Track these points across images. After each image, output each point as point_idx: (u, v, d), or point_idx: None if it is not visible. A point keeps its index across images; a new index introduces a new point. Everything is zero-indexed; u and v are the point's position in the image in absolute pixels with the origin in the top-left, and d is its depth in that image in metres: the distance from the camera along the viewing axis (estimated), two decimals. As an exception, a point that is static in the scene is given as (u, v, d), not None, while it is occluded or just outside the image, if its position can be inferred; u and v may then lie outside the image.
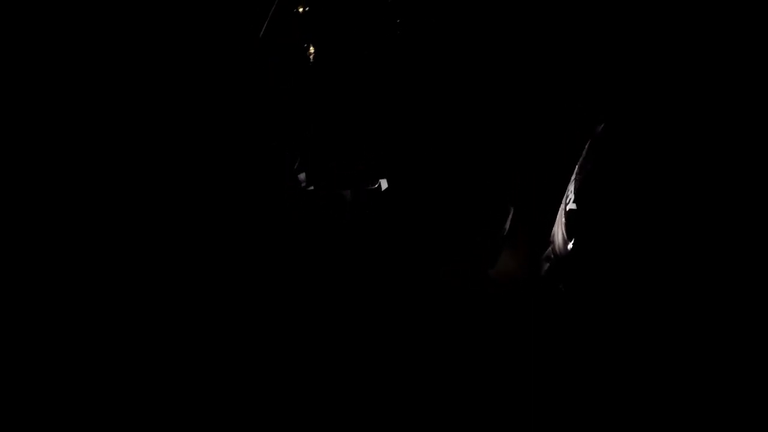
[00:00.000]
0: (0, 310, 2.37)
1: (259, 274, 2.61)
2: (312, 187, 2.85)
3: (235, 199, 2.78)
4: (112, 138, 2.75)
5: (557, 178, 2.46)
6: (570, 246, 2.18)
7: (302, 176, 2.85)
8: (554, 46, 2.73)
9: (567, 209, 2.24)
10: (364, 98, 2.86)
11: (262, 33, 2.79)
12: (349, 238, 2.77)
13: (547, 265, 2.34)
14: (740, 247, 2.18)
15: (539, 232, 2.49)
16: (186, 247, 2.63)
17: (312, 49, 2.86)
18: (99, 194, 2.68)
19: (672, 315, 2.20)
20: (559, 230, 2.27)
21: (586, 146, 2.33)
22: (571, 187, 2.26)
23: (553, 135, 2.70)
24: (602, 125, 2.31)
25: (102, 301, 2.46)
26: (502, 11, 2.80)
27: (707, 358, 2.17)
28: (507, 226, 2.63)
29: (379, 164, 2.85)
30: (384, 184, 2.85)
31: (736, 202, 2.21)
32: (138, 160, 2.75)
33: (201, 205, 2.73)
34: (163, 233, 2.65)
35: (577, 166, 2.31)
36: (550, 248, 2.35)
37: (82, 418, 2.19)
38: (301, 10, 2.85)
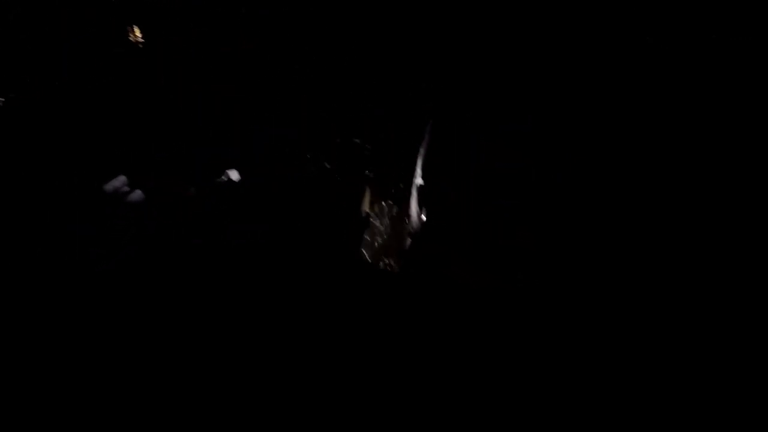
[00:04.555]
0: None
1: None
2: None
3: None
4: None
5: (408, 158, 2.66)
6: (423, 219, 2.42)
7: (120, 180, 2.48)
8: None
9: (417, 185, 2.52)
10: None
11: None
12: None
13: (409, 240, 2.51)
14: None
15: (399, 210, 2.64)
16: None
17: (138, 33, 2.70)
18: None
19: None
20: (413, 205, 2.51)
21: (427, 127, 2.62)
22: (419, 163, 2.54)
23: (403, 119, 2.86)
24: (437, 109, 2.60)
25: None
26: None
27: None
28: (365, 205, 2.70)
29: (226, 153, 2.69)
30: (234, 175, 2.65)
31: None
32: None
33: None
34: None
35: (421, 147, 2.58)
36: (408, 223, 2.54)
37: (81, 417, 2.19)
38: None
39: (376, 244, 2.58)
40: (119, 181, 2.42)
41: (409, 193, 2.56)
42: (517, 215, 2.75)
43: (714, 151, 2.46)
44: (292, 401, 2.29)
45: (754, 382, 2.18)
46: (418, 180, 2.52)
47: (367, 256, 2.57)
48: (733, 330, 2.25)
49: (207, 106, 2.86)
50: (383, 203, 2.65)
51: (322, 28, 2.88)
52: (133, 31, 2.67)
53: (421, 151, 2.58)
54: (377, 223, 2.59)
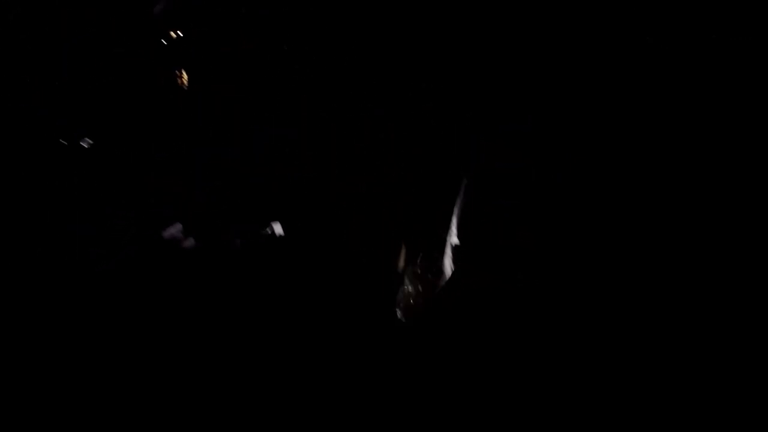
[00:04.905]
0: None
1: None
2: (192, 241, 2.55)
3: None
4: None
5: (443, 214, 2.65)
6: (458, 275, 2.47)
7: (176, 227, 2.52)
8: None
9: (452, 244, 2.53)
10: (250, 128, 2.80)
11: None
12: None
13: (441, 293, 2.53)
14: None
15: (433, 264, 2.65)
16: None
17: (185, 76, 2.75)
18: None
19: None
20: (448, 262, 2.53)
21: (462, 186, 2.60)
22: (455, 223, 2.55)
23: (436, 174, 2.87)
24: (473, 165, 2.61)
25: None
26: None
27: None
28: (401, 261, 2.71)
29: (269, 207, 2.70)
30: (278, 228, 2.67)
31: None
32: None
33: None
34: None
35: (458, 202, 2.58)
36: (442, 278, 2.56)
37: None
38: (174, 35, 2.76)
39: (410, 302, 2.59)
40: (176, 228, 2.49)
41: (443, 252, 2.56)
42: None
43: (714, 151, 2.46)
44: (292, 401, 2.29)
45: (754, 382, 2.18)
46: (454, 239, 2.51)
47: (400, 314, 2.58)
48: (733, 330, 2.25)
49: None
50: (417, 268, 2.64)
51: (322, 28, 2.88)
52: (182, 77, 2.73)
53: (457, 207, 2.56)
54: (410, 287, 2.60)
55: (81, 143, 2.58)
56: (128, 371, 2.30)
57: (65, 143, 2.65)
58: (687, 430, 2.19)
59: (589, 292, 2.40)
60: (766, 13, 2.43)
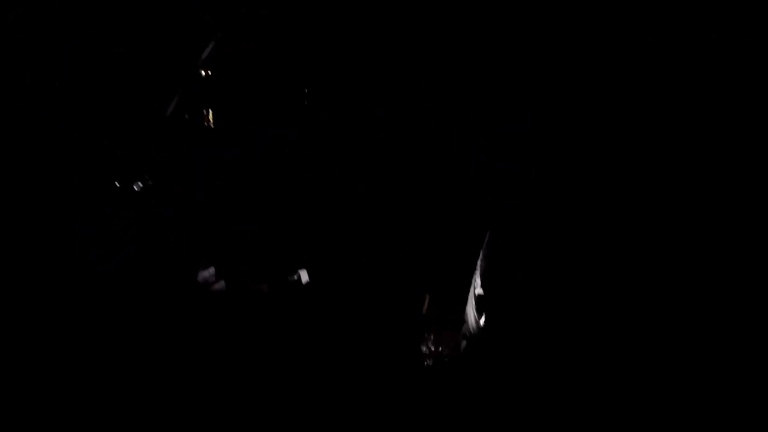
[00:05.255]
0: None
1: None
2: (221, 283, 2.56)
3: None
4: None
5: (465, 265, 2.66)
6: (482, 323, 2.51)
7: (210, 271, 2.53)
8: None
9: (476, 294, 2.56)
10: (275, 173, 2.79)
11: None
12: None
13: (464, 341, 2.54)
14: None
15: (454, 313, 2.65)
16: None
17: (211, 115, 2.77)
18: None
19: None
20: (471, 311, 2.54)
21: (486, 236, 2.61)
22: (478, 273, 2.58)
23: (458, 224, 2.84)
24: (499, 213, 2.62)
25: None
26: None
27: None
28: (424, 310, 2.71)
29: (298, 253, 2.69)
30: (304, 276, 2.67)
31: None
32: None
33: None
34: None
35: (481, 254, 2.59)
36: (465, 326, 2.56)
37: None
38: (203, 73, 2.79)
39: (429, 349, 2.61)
40: (209, 272, 2.53)
41: (466, 300, 2.58)
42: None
43: (714, 151, 2.46)
44: (291, 402, 2.29)
45: (754, 382, 2.18)
46: (478, 290, 2.54)
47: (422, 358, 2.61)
48: (733, 330, 2.25)
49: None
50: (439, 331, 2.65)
51: (321, 28, 2.88)
52: (208, 116, 2.75)
53: (481, 257, 2.58)
54: (431, 345, 2.62)
55: (133, 186, 2.63)
56: (128, 371, 2.30)
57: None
58: (687, 430, 2.19)
59: (588, 291, 2.40)
60: (766, 13, 2.43)
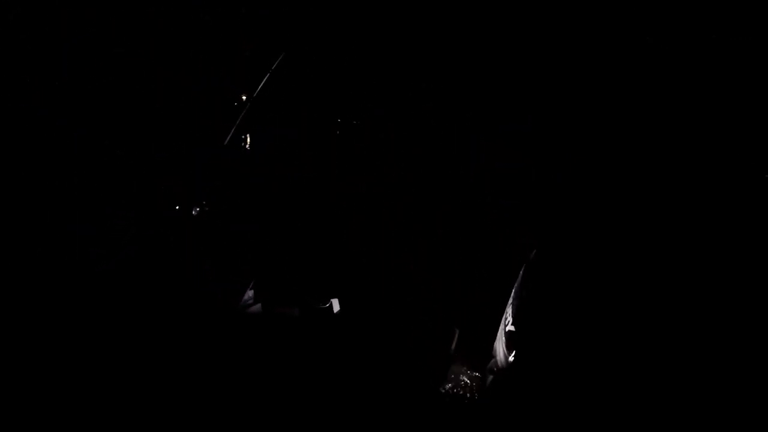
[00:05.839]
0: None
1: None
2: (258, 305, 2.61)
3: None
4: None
5: (496, 301, 2.65)
6: (511, 359, 2.45)
7: (248, 294, 2.58)
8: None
9: (507, 330, 2.50)
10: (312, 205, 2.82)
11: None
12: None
13: (491, 376, 2.55)
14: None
15: (482, 349, 2.66)
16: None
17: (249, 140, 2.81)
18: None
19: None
20: (500, 347, 2.51)
21: (521, 272, 2.55)
22: (509, 310, 2.51)
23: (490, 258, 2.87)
24: (534, 251, 2.54)
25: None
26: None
27: None
28: (453, 345, 2.74)
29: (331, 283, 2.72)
30: (336, 305, 2.69)
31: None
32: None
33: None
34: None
35: (513, 291, 2.54)
36: (492, 361, 2.57)
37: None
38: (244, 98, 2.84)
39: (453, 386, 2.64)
40: (247, 295, 2.58)
41: (495, 337, 2.58)
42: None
43: (714, 151, 2.46)
44: (290, 402, 2.29)
45: (754, 382, 2.18)
46: (509, 327, 2.50)
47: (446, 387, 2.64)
48: (732, 330, 2.25)
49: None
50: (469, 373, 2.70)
51: (321, 28, 2.88)
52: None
53: (515, 294, 2.53)
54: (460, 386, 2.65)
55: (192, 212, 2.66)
56: (128, 370, 2.30)
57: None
58: (687, 430, 2.19)
59: (588, 291, 2.40)
60: (766, 13, 2.43)
